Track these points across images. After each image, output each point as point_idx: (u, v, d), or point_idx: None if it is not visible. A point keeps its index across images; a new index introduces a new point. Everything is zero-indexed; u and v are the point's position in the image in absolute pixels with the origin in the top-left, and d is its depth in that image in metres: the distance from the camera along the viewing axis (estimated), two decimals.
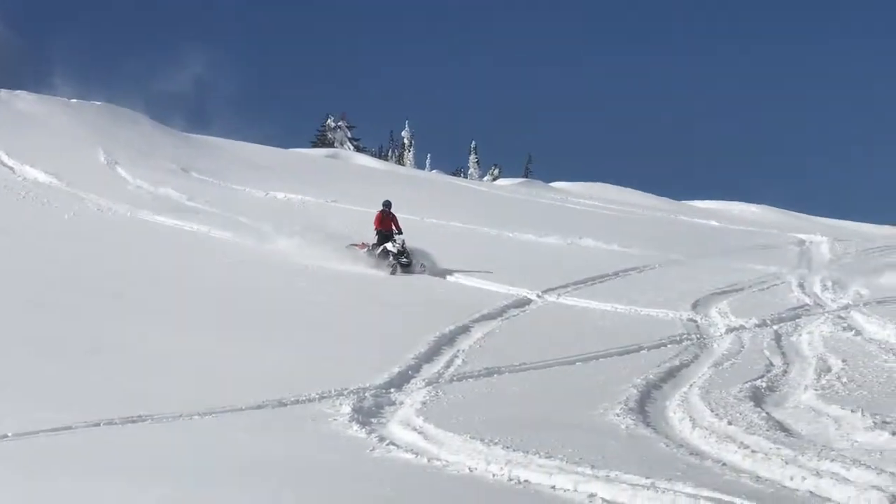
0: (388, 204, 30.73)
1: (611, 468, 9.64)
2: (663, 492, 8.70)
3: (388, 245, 29.18)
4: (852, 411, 12.21)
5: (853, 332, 20.23)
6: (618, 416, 12.61)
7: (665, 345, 18.83)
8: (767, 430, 11.44)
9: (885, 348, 17.99)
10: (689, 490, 8.68)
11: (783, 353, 17.92)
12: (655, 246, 36.32)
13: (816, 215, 70.79)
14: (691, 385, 14.76)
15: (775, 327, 21.07)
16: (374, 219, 30.55)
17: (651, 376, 15.34)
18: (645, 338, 19.32)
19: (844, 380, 14.82)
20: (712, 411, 12.62)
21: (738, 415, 12.37)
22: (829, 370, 15.79)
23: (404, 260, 28.66)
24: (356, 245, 29.79)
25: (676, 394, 14.26)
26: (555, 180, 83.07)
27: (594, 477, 9.40)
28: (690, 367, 16.60)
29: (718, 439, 11.12)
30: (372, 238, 29.91)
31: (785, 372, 16.10)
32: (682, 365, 16.75)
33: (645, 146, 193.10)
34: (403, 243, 29.12)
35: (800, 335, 20.11)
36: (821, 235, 44.46)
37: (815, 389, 14.15)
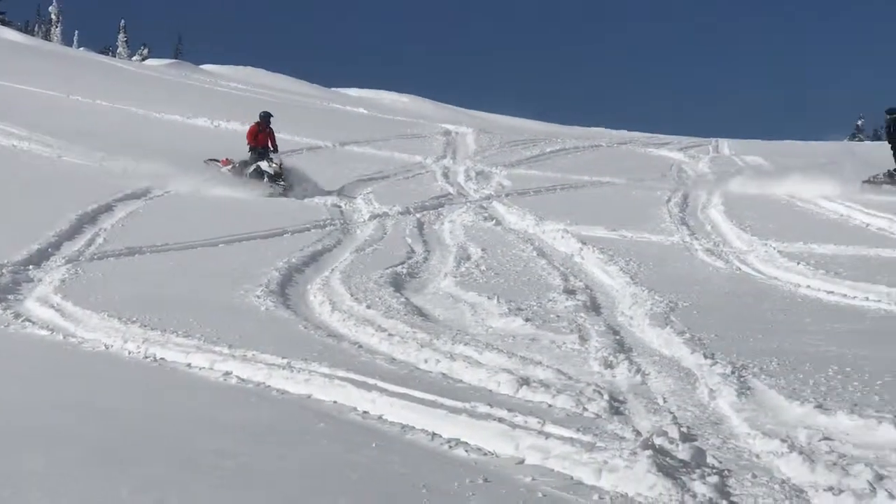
0: (266, 116, 26.35)
1: (248, 348, 9.51)
2: (299, 371, 8.62)
3: (263, 164, 25.01)
4: (489, 298, 12.44)
5: (494, 221, 20.76)
6: (258, 297, 12.45)
7: (309, 229, 18.81)
8: (405, 315, 11.52)
9: (524, 238, 18.50)
10: (325, 370, 8.63)
11: (425, 241, 18.17)
12: (304, 131, 36.14)
13: (465, 107, 72.26)
14: (333, 269, 14.77)
15: (418, 215, 21.39)
16: (246, 132, 26.57)
17: (294, 260, 15.25)
18: (289, 222, 19.24)
19: (483, 268, 15.12)
20: (352, 295, 12.63)
21: (377, 299, 12.43)
22: (468, 258, 16.10)
23: (282, 182, 24.54)
24: (217, 161, 25.69)
25: (318, 278, 14.22)
26: (205, 63, 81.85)
27: (231, 356, 9.24)
28: (333, 252, 16.62)
29: (357, 322, 11.13)
30: (240, 154, 25.79)
31: (426, 259, 16.32)
32: (325, 249, 16.75)
33: (300, 34, 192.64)
34: (281, 164, 25.20)
35: (442, 223, 20.47)
36: (466, 127, 45.27)
37: (454, 277, 14.37)
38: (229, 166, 25.29)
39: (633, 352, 9.80)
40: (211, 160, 25.65)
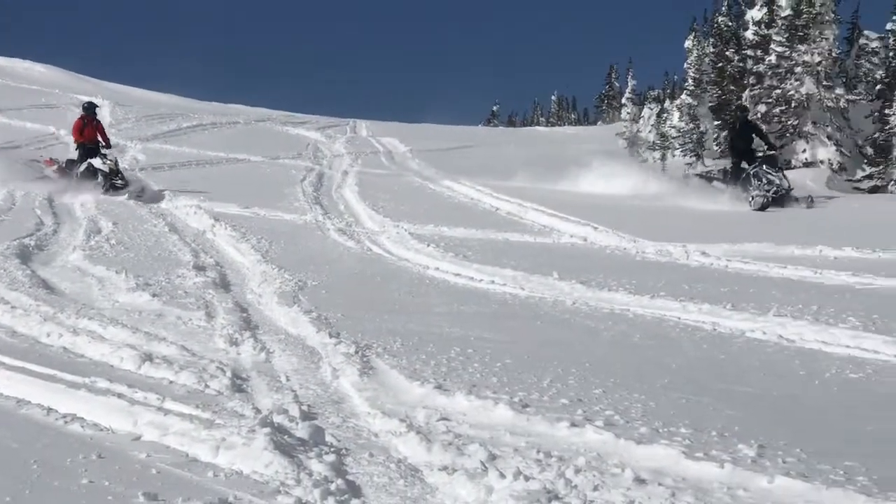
0: (90, 108, 23.49)
1: None
2: None
3: (96, 162, 22.14)
4: (117, 272, 12.29)
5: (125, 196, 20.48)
6: None
7: None
8: (30, 288, 11.25)
9: (156, 213, 18.35)
10: None
11: (55, 213, 17.78)
12: None
13: (103, 79, 70.66)
14: None
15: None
16: (72, 127, 23.57)
17: None
18: None
19: (113, 242, 14.93)
20: None
21: (1, 271, 12.11)
22: (99, 232, 15.88)
23: (119, 182, 21.73)
24: (41, 161, 22.94)
25: None
26: None
27: None
28: None
29: None
30: (66, 153, 23.12)
31: (55, 231, 16.02)
32: None
33: None
34: (117, 161, 22.61)
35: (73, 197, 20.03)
36: (102, 99, 44.35)
37: (84, 250, 14.14)
38: (54, 167, 22.79)
39: (259, 329, 9.86)
40: (32, 161, 23.25)
